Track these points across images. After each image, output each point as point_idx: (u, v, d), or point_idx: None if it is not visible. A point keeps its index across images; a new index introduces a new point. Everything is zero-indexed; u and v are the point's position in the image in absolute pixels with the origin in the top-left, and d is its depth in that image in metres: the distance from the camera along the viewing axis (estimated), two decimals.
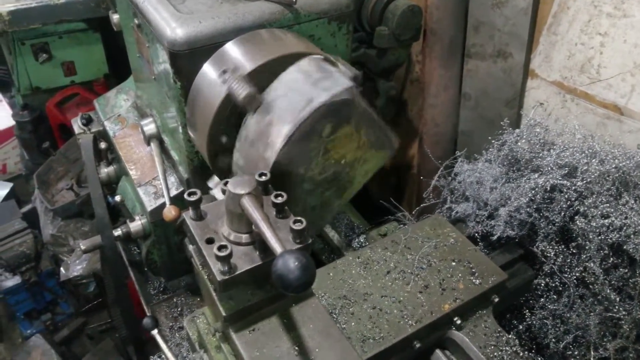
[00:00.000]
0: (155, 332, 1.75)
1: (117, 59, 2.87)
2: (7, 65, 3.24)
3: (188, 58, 1.53)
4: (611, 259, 1.59)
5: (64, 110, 3.17)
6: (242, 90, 1.36)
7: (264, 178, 1.26)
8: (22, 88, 3.03)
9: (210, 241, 1.17)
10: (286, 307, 1.28)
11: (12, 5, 2.68)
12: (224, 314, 1.21)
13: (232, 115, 1.48)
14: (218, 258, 1.10)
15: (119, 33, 2.13)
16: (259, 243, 1.15)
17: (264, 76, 1.46)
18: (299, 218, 1.17)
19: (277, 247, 1.01)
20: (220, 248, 1.10)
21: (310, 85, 1.39)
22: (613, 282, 1.60)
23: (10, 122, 3.39)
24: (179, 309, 2.14)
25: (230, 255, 1.10)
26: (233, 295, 1.23)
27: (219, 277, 1.11)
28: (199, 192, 1.21)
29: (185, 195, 1.20)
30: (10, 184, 3.59)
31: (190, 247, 1.28)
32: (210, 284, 1.22)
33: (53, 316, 3.26)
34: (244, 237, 1.19)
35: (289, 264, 0.94)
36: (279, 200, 1.22)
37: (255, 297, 1.24)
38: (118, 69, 3.02)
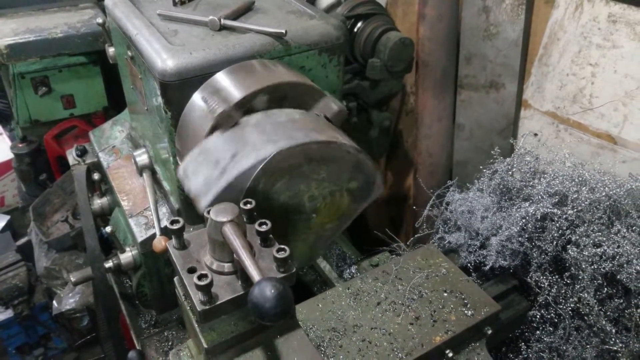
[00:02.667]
0: None
1: (117, 92, 2.90)
2: (8, 98, 3.28)
3: (179, 89, 1.55)
4: (605, 289, 1.56)
5: (62, 143, 3.18)
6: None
7: (249, 206, 1.25)
8: (21, 121, 3.05)
9: (192, 270, 1.15)
10: (270, 339, 1.25)
11: (11, 38, 2.72)
12: (205, 345, 1.17)
13: None
14: (198, 287, 1.07)
15: (118, 66, 2.16)
16: (241, 272, 1.13)
17: (252, 105, 1.46)
18: (282, 246, 1.15)
19: (255, 275, 0.99)
20: (201, 277, 1.07)
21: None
22: (608, 313, 1.56)
23: (9, 155, 3.40)
24: (170, 343, 2.09)
25: (210, 284, 1.08)
26: (215, 326, 1.20)
27: (199, 307, 1.09)
28: (181, 221, 1.19)
29: (168, 224, 1.18)
30: (7, 217, 3.58)
31: (175, 278, 1.26)
32: (192, 314, 1.20)
33: (45, 351, 3.21)
34: (226, 266, 1.16)
35: (265, 292, 0.91)
36: (263, 228, 1.20)
37: (239, 328, 1.21)
38: (117, 102, 3.04)
